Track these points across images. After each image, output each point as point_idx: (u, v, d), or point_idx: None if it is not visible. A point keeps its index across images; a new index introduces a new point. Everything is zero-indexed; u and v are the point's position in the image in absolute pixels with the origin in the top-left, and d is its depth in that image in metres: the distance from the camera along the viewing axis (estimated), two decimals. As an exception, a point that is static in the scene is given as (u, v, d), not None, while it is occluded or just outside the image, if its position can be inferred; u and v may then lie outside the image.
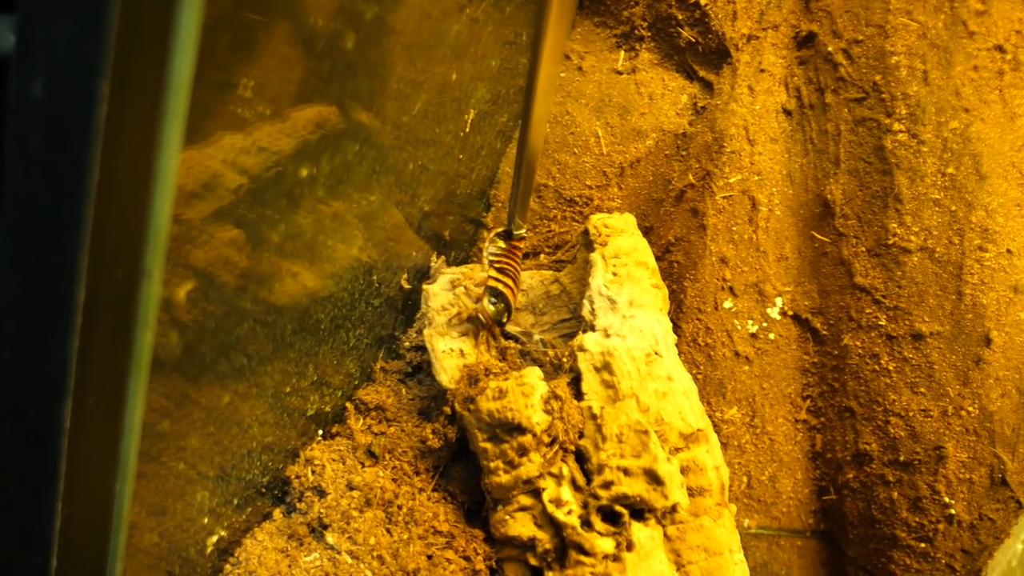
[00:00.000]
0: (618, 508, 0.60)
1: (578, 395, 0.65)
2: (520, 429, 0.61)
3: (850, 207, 0.76)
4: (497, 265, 0.70)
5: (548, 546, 0.61)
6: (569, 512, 0.61)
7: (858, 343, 0.75)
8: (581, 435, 0.63)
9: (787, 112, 0.82)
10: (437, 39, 0.66)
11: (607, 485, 0.60)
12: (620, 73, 0.89)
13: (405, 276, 0.75)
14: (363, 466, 0.68)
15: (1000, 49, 0.74)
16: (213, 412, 0.54)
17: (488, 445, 0.62)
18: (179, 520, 0.55)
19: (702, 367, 0.78)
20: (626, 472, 0.60)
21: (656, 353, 0.65)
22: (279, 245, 0.54)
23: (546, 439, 0.61)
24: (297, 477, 0.66)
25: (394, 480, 0.67)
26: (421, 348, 0.75)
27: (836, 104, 0.78)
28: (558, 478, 0.62)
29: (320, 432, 0.70)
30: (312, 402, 0.67)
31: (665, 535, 0.62)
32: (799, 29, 0.82)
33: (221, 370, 0.53)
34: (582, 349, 0.65)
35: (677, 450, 0.63)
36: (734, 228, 0.79)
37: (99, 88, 0.31)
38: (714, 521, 0.63)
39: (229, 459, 0.59)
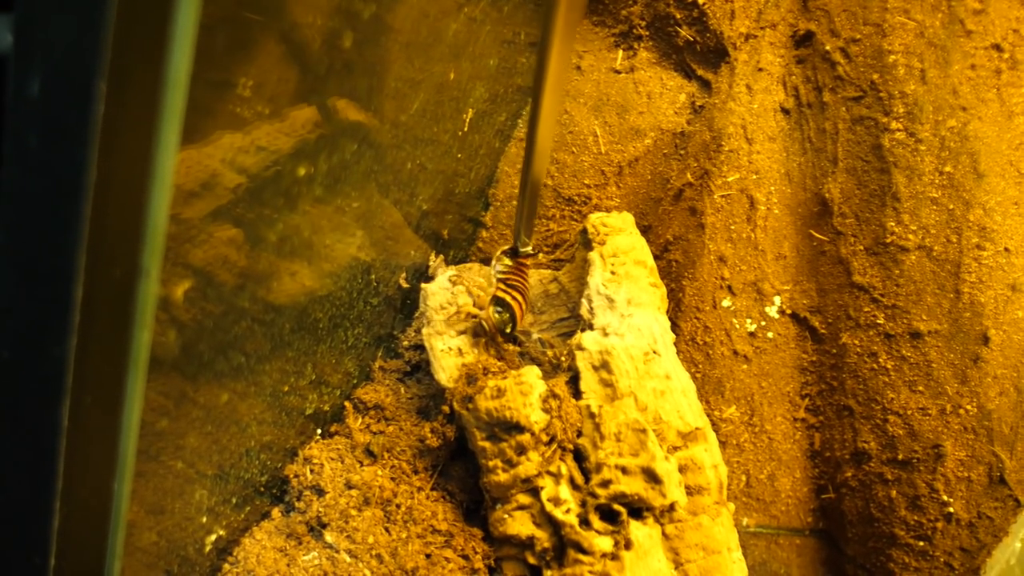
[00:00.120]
0: (616, 507, 0.60)
1: (576, 394, 0.65)
2: (518, 428, 0.61)
3: (848, 206, 0.76)
4: (504, 280, 0.71)
5: (547, 545, 0.62)
6: (567, 511, 0.61)
7: (856, 342, 0.75)
8: (579, 434, 0.63)
9: (785, 111, 0.82)
10: (435, 38, 0.66)
11: (605, 484, 0.60)
12: (618, 72, 0.89)
13: (404, 275, 0.75)
14: (362, 465, 0.68)
15: (997, 48, 0.75)
16: (211, 411, 0.54)
17: (487, 444, 0.62)
18: (177, 519, 0.55)
19: (700, 366, 0.78)
20: (624, 471, 0.60)
21: (654, 352, 0.65)
22: (277, 244, 0.54)
23: (544, 438, 0.61)
24: (296, 476, 0.66)
25: (393, 479, 0.67)
26: (420, 347, 0.75)
27: (834, 103, 0.78)
28: (556, 477, 0.62)
29: (319, 431, 0.70)
30: (311, 401, 0.67)
31: (663, 534, 0.62)
32: (797, 28, 0.82)
33: (219, 369, 0.53)
34: (580, 348, 0.65)
35: (675, 449, 0.63)
36: (732, 227, 0.79)
37: (97, 87, 0.31)
38: (712, 520, 0.63)
39: (227, 458, 0.59)
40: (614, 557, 0.60)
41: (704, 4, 0.83)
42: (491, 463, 0.62)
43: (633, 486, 0.60)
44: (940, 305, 0.71)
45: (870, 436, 0.73)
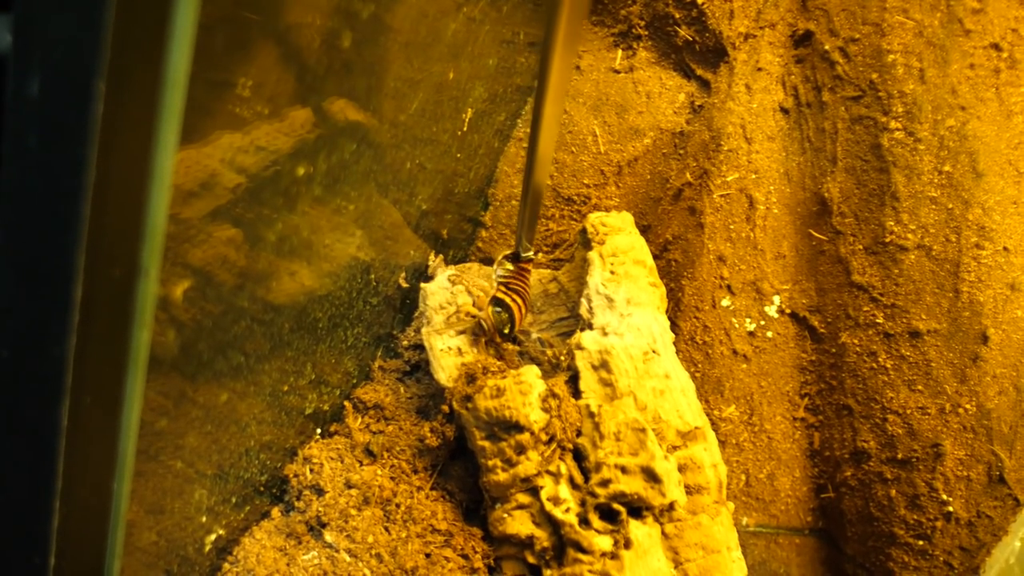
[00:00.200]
0: (616, 506, 0.60)
1: (576, 393, 0.65)
2: (518, 427, 0.61)
3: (847, 205, 0.76)
4: (505, 284, 0.71)
5: (546, 544, 0.62)
6: (567, 510, 0.61)
7: (856, 341, 0.75)
8: (579, 433, 0.63)
9: (784, 110, 0.82)
10: (434, 38, 0.66)
11: (605, 483, 0.60)
12: (618, 72, 0.89)
13: (403, 275, 0.75)
14: (361, 464, 0.68)
15: (996, 47, 0.75)
16: (211, 410, 0.54)
17: (486, 443, 0.62)
18: (177, 518, 0.55)
19: (700, 365, 0.78)
20: (624, 470, 0.60)
21: (654, 351, 0.65)
22: (276, 243, 0.54)
23: (544, 437, 0.61)
24: (295, 475, 0.66)
25: (392, 478, 0.67)
26: (419, 347, 0.75)
27: (833, 102, 0.78)
28: (556, 476, 0.62)
29: (318, 431, 0.70)
30: (310, 401, 0.67)
31: (663, 533, 0.62)
32: (796, 28, 0.82)
33: (219, 368, 0.53)
34: (580, 347, 0.65)
35: (675, 448, 0.63)
36: (732, 226, 0.79)
37: (96, 87, 0.31)
38: (712, 519, 0.63)
39: (227, 457, 0.59)
40: (614, 556, 0.60)
41: (703, 4, 0.83)
42: (490, 462, 0.62)
43: (632, 485, 0.60)
44: (939, 304, 0.71)
45: (869, 435, 0.73)
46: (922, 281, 0.72)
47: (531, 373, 0.63)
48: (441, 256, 0.79)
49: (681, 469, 0.63)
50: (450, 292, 0.73)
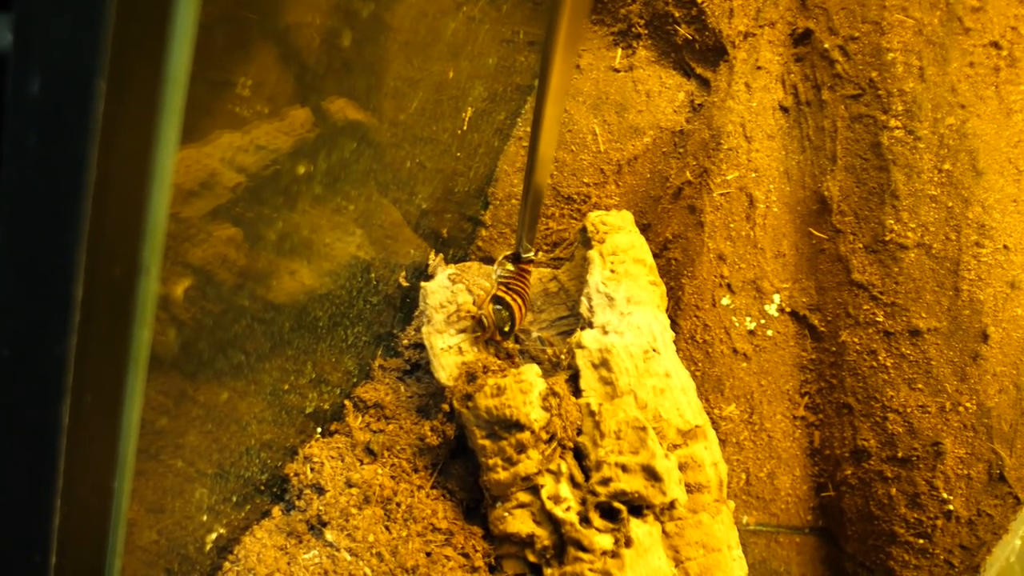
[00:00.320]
0: (616, 504, 0.60)
1: (576, 392, 0.65)
2: (518, 426, 0.61)
3: (847, 203, 0.76)
4: (506, 284, 0.71)
5: (547, 543, 0.62)
6: (568, 509, 0.61)
7: (856, 339, 0.75)
8: (579, 432, 0.63)
9: (784, 109, 0.82)
10: (434, 37, 0.66)
11: (605, 482, 0.60)
12: (617, 71, 0.89)
13: (403, 274, 0.75)
14: (362, 463, 0.68)
15: (996, 45, 0.75)
16: (211, 409, 0.54)
17: (487, 442, 0.62)
18: (178, 517, 0.55)
19: (700, 364, 0.78)
20: (624, 469, 0.60)
21: (654, 350, 0.65)
22: (277, 242, 0.54)
23: (544, 436, 0.61)
24: (296, 475, 0.66)
25: (393, 477, 0.67)
26: (419, 346, 0.75)
27: (833, 101, 0.78)
28: (556, 475, 0.62)
29: (319, 430, 0.70)
30: (311, 400, 0.67)
31: (663, 531, 0.62)
32: (795, 26, 0.82)
33: (219, 367, 0.53)
34: (580, 346, 0.65)
35: (675, 447, 0.63)
36: (731, 225, 0.79)
37: (96, 86, 0.31)
38: (712, 517, 0.63)
39: (228, 456, 0.59)
40: (614, 555, 0.60)
41: (703, 2, 0.83)
42: (491, 461, 0.62)
43: (633, 484, 0.60)
44: (939, 303, 0.71)
45: (870, 434, 0.73)
46: (922, 279, 0.72)
47: (531, 372, 0.63)
48: (441, 255, 0.79)
49: (682, 468, 0.63)
50: (450, 291, 0.73)
